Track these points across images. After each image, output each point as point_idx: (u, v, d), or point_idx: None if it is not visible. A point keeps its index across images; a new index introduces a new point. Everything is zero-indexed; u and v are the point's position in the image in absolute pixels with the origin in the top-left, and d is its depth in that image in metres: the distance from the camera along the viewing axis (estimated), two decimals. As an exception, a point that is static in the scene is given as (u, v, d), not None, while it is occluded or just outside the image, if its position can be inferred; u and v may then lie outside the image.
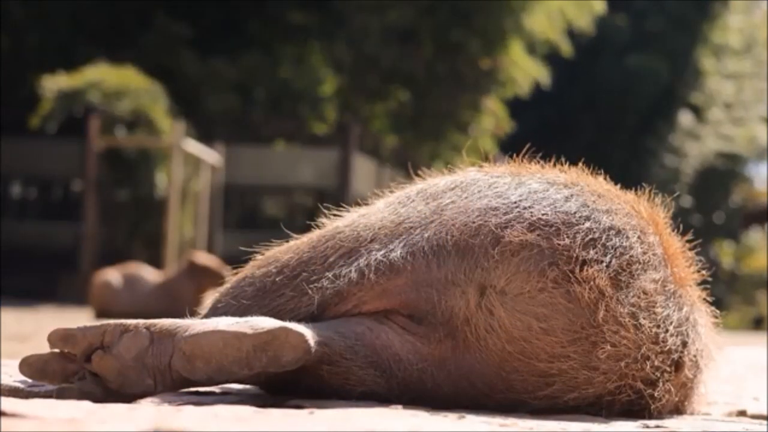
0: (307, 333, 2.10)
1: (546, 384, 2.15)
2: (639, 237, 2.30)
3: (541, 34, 24.61)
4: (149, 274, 12.16)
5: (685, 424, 2.24)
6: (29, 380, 2.18)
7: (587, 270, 2.18)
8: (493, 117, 24.99)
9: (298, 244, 2.40)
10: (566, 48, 25.67)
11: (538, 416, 2.12)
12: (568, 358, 2.15)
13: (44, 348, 2.17)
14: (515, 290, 2.17)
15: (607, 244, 2.24)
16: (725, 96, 36.30)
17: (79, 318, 10.94)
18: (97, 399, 2.05)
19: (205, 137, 18.83)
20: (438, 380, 2.17)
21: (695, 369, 2.38)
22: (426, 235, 2.25)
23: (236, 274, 2.45)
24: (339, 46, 23.28)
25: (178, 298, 11.64)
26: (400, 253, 2.23)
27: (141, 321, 2.15)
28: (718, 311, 2.54)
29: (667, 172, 32.22)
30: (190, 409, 1.85)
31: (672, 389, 2.29)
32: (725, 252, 31.22)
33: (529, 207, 2.25)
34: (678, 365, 2.30)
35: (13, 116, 19.28)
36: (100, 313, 11.27)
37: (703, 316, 2.45)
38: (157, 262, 14.88)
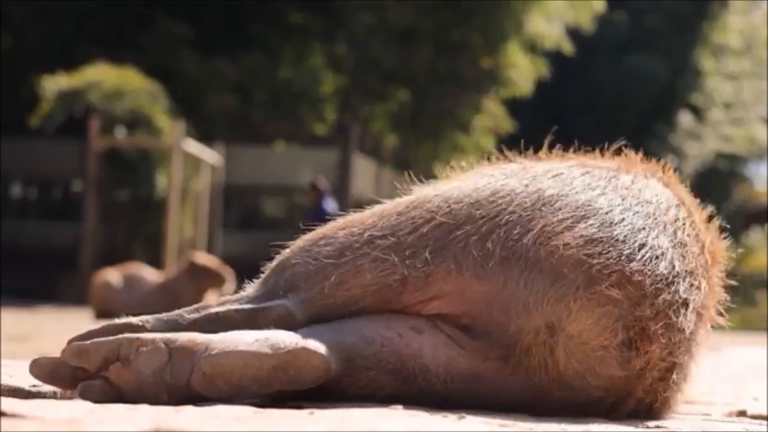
0: (328, 353, 2.05)
1: (572, 412, 2.15)
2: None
3: (541, 34, 24.61)
4: (149, 274, 12.17)
5: (685, 424, 2.24)
6: (37, 381, 2.15)
7: (650, 346, 2.16)
8: (492, 116, 25.00)
9: (382, 208, 2.32)
10: (567, 48, 25.68)
11: (538, 416, 2.12)
12: (603, 399, 2.17)
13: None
14: (583, 339, 2.12)
15: (682, 321, 2.22)
16: (725, 96, 36.31)
17: (79, 318, 10.93)
18: (115, 399, 2.02)
19: (205, 137, 18.84)
20: (460, 397, 2.13)
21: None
22: (525, 241, 2.15)
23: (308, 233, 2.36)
24: (339, 46, 23.29)
25: (178, 298, 11.64)
26: (497, 257, 2.14)
27: (158, 336, 2.08)
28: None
29: (667, 173, 32.16)
30: (190, 409, 1.85)
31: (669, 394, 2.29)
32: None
33: (630, 254, 2.16)
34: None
35: (13, 116, 19.29)
36: (100, 313, 11.27)
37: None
38: (157, 262, 14.88)
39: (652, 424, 2.15)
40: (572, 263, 2.12)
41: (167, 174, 16.93)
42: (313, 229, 2.40)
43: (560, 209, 2.19)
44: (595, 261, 2.13)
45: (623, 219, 2.20)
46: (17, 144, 19.51)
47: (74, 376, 2.08)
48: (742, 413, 2.71)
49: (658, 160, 2.49)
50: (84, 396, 2.05)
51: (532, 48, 25.02)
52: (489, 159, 2.53)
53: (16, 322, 8.61)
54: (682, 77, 35.12)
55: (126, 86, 17.55)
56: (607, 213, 2.20)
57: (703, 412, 2.53)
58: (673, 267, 2.20)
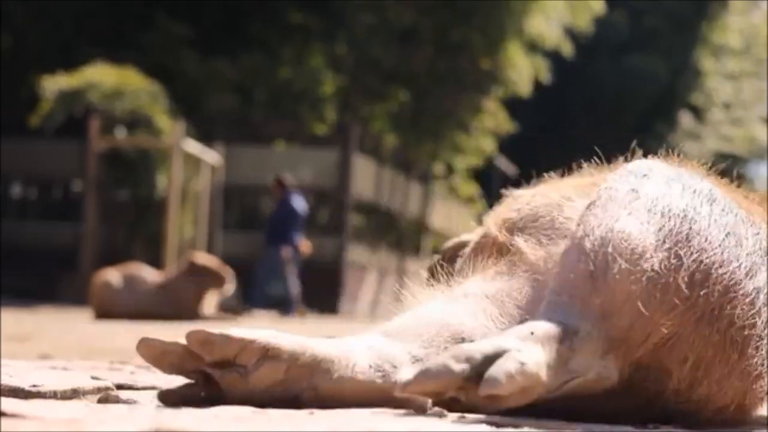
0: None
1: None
2: None
3: (541, 35, 24.64)
4: (149, 274, 12.17)
5: (684, 424, 2.24)
6: (144, 360, 2.01)
7: None
8: (493, 117, 25.02)
9: (644, 209, 2.04)
10: (567, 49, 25.71)
11: (538, 416, 2.12)
12: None
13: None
14: (713, 406, 2.16)
15: None
16: (725, 96, 36.33)
17: (79, 318, 10.94)
18: (196, 406, 1.96)
19: (205, 137, 18.84)
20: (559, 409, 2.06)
21: None
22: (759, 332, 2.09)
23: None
24: (339, 46, 23.30)
25: (178, 298, 11.66)
26: (729, 340, 2.07)
27: (283, 344, 1.97)
28: None
29: (667, 173, 32.18)
30: (190, 409, 1.86)
31: None
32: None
33: None
34: None
35: (13, 116, 19.29)
36: (100, 313, 11.27)
37: None
38: (157, 262, 14.88)
39: (651, 424, 2.15)
40: (756, 374, 2.12)
41: (167, 174, 16.94)
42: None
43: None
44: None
45: None
46: (17, 144, 19.51)
47: (182, 363, 1.98)
48: (741, 413, 2.70)
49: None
50: (175, 397, 1.99)
51: (533, 48, 25.04)
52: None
53: (16, 322, 8.60)
54: (682, 77, 35.14)
55: (126, 86, 17.55)
56: None
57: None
58: None
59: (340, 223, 20.81)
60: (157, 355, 1.99)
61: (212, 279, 12.02)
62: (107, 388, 2.37)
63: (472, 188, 29.02)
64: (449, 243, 2.73)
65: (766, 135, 35.09)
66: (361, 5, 22.69)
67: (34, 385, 2.25)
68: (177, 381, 2.60)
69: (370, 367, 2.01)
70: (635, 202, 2.04)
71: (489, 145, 26.19)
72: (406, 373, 1.90)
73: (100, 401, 2.18)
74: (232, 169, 19.59)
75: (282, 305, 15.88)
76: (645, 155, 2.38)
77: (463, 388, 1.82)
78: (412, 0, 22.91)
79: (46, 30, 20.84)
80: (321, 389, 1.98)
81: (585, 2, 26.34)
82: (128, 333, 7.24)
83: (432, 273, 2.36)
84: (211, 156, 18.36)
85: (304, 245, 16.68)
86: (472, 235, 2.55)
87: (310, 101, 22.22)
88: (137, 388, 2.53)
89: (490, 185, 31.00)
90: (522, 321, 2.10)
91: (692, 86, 35.72)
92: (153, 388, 2.56)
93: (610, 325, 1.94)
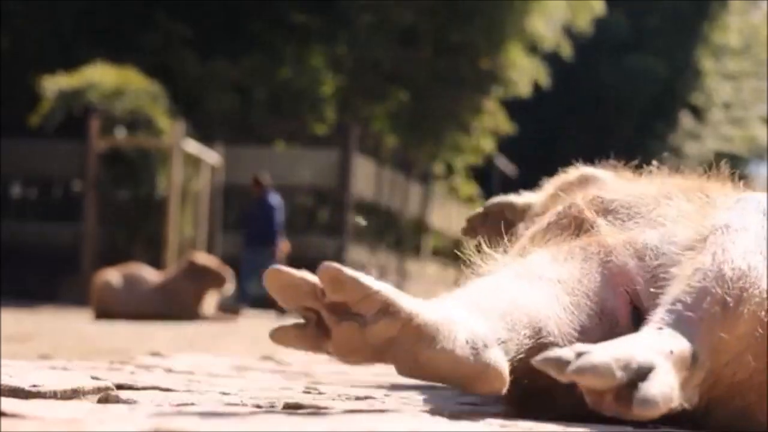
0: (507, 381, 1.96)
1: None
2: None
3: (541, 35, 24.65)
4: (149, 274, 12.18)
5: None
6: (270, 291, 1.89)
7: None
8: (493, 117, 25.03)
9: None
10: (566, 49, 25.72)
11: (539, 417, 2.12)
12: None
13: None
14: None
15: None
16: (725, 96, 36.35)
17: (79, 318, 10.94)
18: (305, 347, 1.89)
19: (205, 137, 18.85)
20: None
21: None
22: None
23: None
24: (340, 46, 23.31)
25: (178, 299, 11.67)
26: None
27: (403, 302, 1.87)
28: None
29: (667, 173, 32.19)
30: (190, 409, 1.86)
31: None
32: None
33: None
34: None
35: (13, 116, 19.29)
36: (100, 313, 11.28)
37: None
38: (157, 262, 14.89)
39: (651, 424, 2.15)
40: None
41: (167, 174, 16.94)
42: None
43: None
44: None
45: None
46: (17, 144, 19.51)
47: (303, 299, 1.88)
48: (742, 413, 2.70)
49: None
50: (286, 335, 1.90)
51: (533, 49, 25.06)
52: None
53: (16, 322, 8.61)
54: (682, 77, 35.14)
55: (126, 86, 17.55)
56: None
57: (703, 412, 2.52)
58: None
59: (340, 223, 20.82)
60: (283, 285, 1.88)
61: (212, 279, 12.04)
62: (107, 388, 2.37)
63: (472, 188, 29.04)
64: (494, 200, 2.72)
65: (766, 135, 35.10)
66: (361, 5, 22.71)
67: (34, 385, 2.25)
68: (177, 383, 2.61)
69: (467, 342, 1.93)
70: (765, 242, 2.10)
71: (489, 145, 26.20)
72: (495, 354, 1.93)
73: (100, 401, 2.18)
74: (232, 169, 19.59)
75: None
76: (645, 155, 2.41)
77: (610, 393, 1.82)
78: (412, 0, 22.92)
79: (46, 30, 20.85)
80: (421, 357, 1.89)
81: (585, 2, 26.35)
82: (128, 333, 7.24)
83: (471, 225, 2.33)
84: (211, 156, 18.37)
85: (284, 245, 16.72)
86: (521, 199, 2.54)
87: (310, 101, 22.24)
88: (137, 388, 2.53)
89: (490, 185, 31.02)
90: (589, 314, 2.14)
91: (692, 86, 35.72)
92: (153, 388, 2.56)
93: (715, 357, 1.99)
